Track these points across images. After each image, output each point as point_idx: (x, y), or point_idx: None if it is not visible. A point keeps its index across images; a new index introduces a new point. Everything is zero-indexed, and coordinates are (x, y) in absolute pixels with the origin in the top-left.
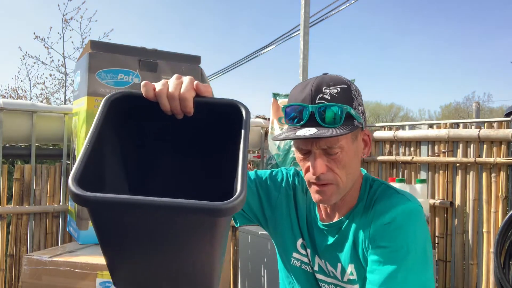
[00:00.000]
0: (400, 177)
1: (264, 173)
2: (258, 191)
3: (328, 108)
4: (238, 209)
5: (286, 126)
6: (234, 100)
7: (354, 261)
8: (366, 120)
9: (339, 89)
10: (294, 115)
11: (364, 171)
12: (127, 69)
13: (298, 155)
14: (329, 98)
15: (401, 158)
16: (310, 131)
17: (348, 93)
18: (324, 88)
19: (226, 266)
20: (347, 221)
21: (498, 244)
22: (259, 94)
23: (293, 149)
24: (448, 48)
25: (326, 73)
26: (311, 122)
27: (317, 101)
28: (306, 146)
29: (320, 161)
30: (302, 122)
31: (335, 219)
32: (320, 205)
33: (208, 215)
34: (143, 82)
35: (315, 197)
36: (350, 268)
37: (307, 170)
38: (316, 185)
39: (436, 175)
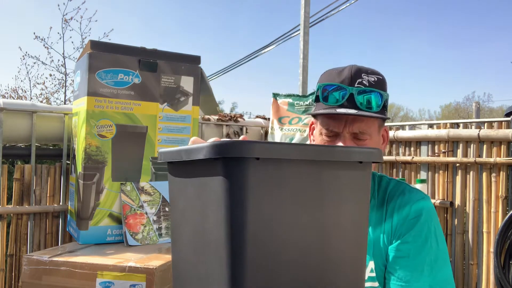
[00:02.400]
0: (400, 177)
1: None
2: None
3: (370, 92)
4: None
5: (286, 126)
6: None
7: (375, 257)
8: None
9: (376, 78)
10: (332, 94)
11: None
12: (127, 69)
13: (321, 138)
14: (367, 84)
15: (401, 158)
16: (351, 111)
17: (383, 84)
18: (363, 74)
19: None
20: None
21: (498, 244)
22: (259, 94)
23: None
24: (448, 48)
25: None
26: (349, 103)
27: (356, 85)
28: (338, 128)
29: (349, 144)
30: (340, 102)
31: None
32: None
33: (367, 158)
34: None
35: None
36: (371, 265)
37: None
38: None
39: (436, 175)
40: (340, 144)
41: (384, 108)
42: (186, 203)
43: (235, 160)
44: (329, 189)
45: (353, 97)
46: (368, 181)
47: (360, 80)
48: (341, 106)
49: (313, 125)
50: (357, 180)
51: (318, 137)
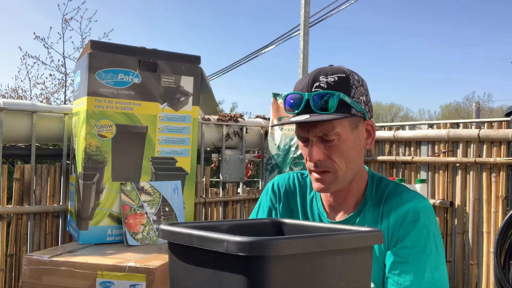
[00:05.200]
0: (400, 177)
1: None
2: None
3: (322, 95)
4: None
5: (286, 126)
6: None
7: None
8: (372, 110)
9: (336, 78)
10: (291, 103)
11: (366, 168)
12: (127, 69)
13: (299, 144)
14: (325, 87)
15: (401, 158)
16: (303, 117)
17: (345, 82)
18: (321, 77)
19: None
20: (359, 218)
21: (498, 244)
22: (259, 94)
23: (293, 149)
24: (448, 48)
25: (331, 65)
26: (306, 109)
27: (313, 90)
28: (304, 134)
29: (316, 148)
30: (298, 110)
31: (342, 214)
32: (323, 199)
33: (376, 241)
34: None
35: (315, 185)
36: None
37: (307, 158)
38: (315, 173)
39: (436, 175)
40: (310, 151)
41: (344, 106)
42: None
43: (259, 259)
44: (337, 273)
45: (309, 103)
46: (370, 261)
47: (317, 83)
48: (299, 113)
49: None
50: (361, 261)
51: (298, 141)
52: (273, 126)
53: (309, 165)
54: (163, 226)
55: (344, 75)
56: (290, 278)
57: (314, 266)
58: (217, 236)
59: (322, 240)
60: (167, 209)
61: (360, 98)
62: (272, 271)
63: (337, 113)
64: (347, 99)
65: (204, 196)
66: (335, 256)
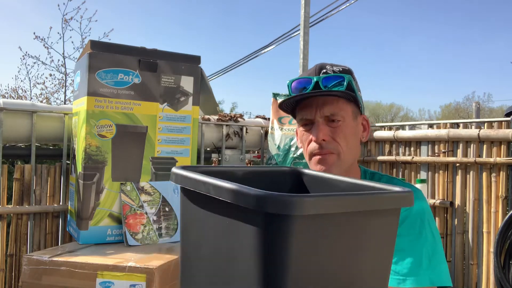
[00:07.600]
0: (400, 177)
1: None
2: None
3: (331, 77)
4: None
5: (286, 126)
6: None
7: None
8: (363, 107)
9: (341, 69)
10: (299, 86)
11: (359, 165)
12: (127, 69)
13: (300, 130)
14: (332, 73)
15: (401, 158)
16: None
17: (349, 73)
18: (327, 66)
19: None
20: None
21: (498, 244)
22: (259, 94)
23: (293, 149)
24: (448, 48)
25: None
26: (316, 90)
27: (321, 74)
28: (311, 115)
29: (323, 128)
30: (307, 91)
31: None
32: None
33: (407, 203)
34: None
35: (316, 167)
36: None
37: (310, 141)
38: (318, 155)
39: (436, 175)
40: (312, 134)
41: (350, 89)
42: (203, 236)
43: (279, 217)
44: (365, 237)
45: (319, 84)
46: (396, 227)
47: (324, 70)
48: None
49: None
50: (388, 226)
51: (299, 129)
52: (283, 102)
53: (313, 147)
54: (176, 170)
55: (347, 68)
56: (311, 239)
57: (339, 228)
58: (236, 188)
59: (351, 200)
60: (167, 209)
61: (358, 92)
62: (292, 230)
63: (345, 92)
64: (353, 82)
65: None
66: (363, 218)
